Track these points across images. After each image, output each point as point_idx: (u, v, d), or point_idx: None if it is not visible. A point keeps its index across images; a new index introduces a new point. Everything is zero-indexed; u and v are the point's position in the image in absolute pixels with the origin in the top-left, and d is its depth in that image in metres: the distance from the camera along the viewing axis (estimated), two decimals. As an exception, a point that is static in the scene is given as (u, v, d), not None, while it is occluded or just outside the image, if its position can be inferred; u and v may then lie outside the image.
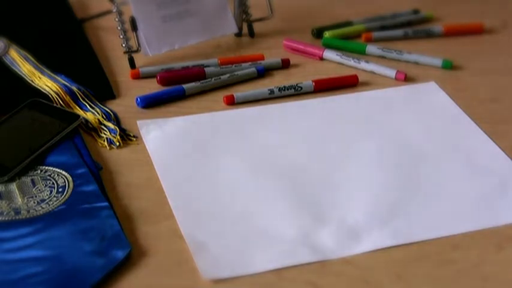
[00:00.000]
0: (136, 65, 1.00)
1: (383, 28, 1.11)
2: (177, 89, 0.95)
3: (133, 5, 1.00)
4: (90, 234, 0.73)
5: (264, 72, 1.00)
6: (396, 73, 1.00)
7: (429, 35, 1.10)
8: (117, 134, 0.87)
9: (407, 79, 1.00)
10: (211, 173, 0.82)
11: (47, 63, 0.97)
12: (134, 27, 0.99)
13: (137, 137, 0.88)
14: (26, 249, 0.71)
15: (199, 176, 0.81)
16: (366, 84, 0.99)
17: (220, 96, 0.95)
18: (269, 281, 0.70)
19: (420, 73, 1.02)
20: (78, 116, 0.88)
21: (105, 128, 0.88)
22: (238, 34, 1.08)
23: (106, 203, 0.76)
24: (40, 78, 0.95)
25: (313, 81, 0.97)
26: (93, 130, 0.88)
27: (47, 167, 0.81)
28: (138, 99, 0.93)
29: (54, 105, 0.91)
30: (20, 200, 0.77)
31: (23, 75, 0.96)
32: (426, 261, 0.73)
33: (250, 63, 1.00)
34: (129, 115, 0.91)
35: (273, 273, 0.71)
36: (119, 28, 0.99)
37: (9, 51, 1.00)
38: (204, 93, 0.96)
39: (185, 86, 0.95)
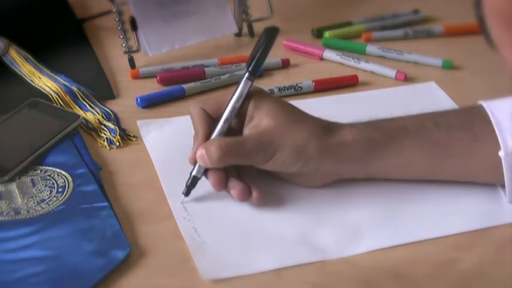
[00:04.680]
0: (136, 65, 1.00)
1: (383, 28, 1.11)
2: (177, 89, 0.95)
3: (133, 5, 1.00)
4: (90, 234, 0.73)
5: (263, 72, 1.00)
6: (396, 73, 1.00)
7: (429, 35, 1.11)
8: (117, 134, 0.87)
9: (407, 79, 1.00)
10: (211, 173, 0.82)
11: (47, 63, 0.97)
12: (134, 27, 0.99)
13: (137, 137, 0.88)
14: (26, 249, 0.71)
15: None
16: (366, 84, 0.99)
17: (220, 96, 0.95)
18: (269, 281, 0.70)
19: (420, 73, 1.02)
20: (78, 116, 0.88)
21: (105, 128, 0.88)
22: (238, 34, 1.08)
23: (106, 203, 0.76)
24: (40, 78, 0.95)
25: (313, 81, 0.97)
26: (93, 130, 0.88)
27: (47, 167, 0.81)
28: (138, 99, 0.93)
29: (54, 105, 0.91)
30: (20, 200, 0.77)
31: (23, 75, 0.96)
32: (426, 261, 0.73)
33: (250, 63, 1.00)
34: (129, 115, 0.91)
35: (273, 273, 0.71)
36: (119, 28, 0.99)
37: (9, 51, 1.00)
38: (204, 93, 0.96)
39: (185, 86, 0.95)
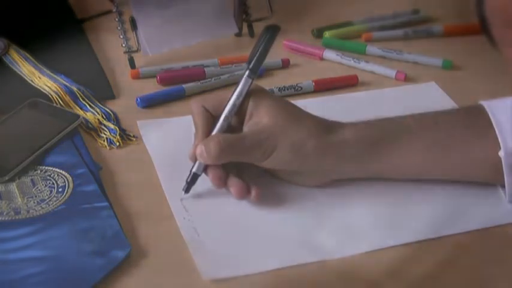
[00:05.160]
0: (136, 65, 1.00)
1: (383, 28, 1.11)
2: (177, 89, 0.95)
3: (133, 5, 1.00)
4: (90, 234, 0.73)
5: (264, 72, 1.00)
6: (396, 73, 1.00)
7: (429, 35, 1.10)
8: (117, 134, 0.87)
9: (407, 79, 1.00)
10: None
11: (47, 63, 0.97)
12: (134, 27, 0.99)
13: (137, 137, 0.88)
14: (26, 249, 0.71)
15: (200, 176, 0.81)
16: (366, 84, 0.99)
17: (220, 96, 0.95)
18: (269, 281, 0.70)
19: (420, 73, 1.02)
20: (78, 116, 0.88)
21: (105, 128, 0.88)
22: (238, 34, 1.08)
23: (106, 203, 0.76)
24: (40, 78, 0.95)
25: (313, 81, 0.97)
26: (93, 130, 0.88)
27: (46, 167, 0.81)
28: (138, 99, 0.93)
29: (54, 105, 0.91)
30: (20, 200, 0.77)
31: (23, 75, 0.96)
32: (426, 261, 0.73)
33: (250, 63, 1.00)
34: (129, 115, 0.91)
35: (273, 273, 0.71)
36: (118, 28, 0.99)
37: (9, 51, 1.00)
38: (204, 93, 0.96)
39: (185, 86, 0.95)
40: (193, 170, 0.78)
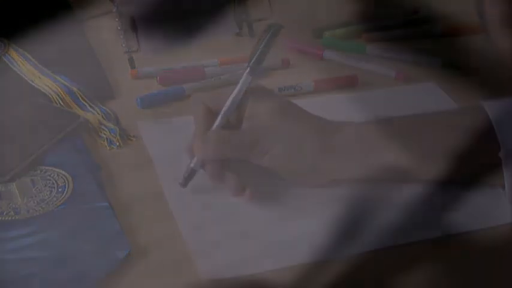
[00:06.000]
0: (136, 65, 1.00)
1: (383, 28, 1.11)
2: (177, 89, 0.95)
3: (134, 5, 0.99)
4: (90, 234, 0.73)
5: (264, 72, 1.00)
6: (396, 73, 1.00)
7: (429, 35, 1.10)
8: (117, 134, 0.87)
9: (407, 79, 1.00)
10: (211, 173, 0.82)
11: (47, 63, 0.97)
12: (134, 27, 0.99)
13: (137, 137, 0.88)
14: (26, 249, 0.71)
15: (199, 175, 0.81)
16: (366, 84, 0.99)
17: (220, 96, 0.95)
18: (269, 281, 0.70)
19: (420, 73, 1.02)
20: (78, 116, 0.88)
21: (105, 128, 0.88)
22: (238, 34, 1.08)
23: (106, 203, 0.76)
24: (40, 78, 0.95)
25: (313, 81, 0.97)
26: (93, 130, 0.88)
27: (46, 167, 0.81)
28: (138, 99, 0.93)
29: (54, 105, 0.91)
30: (19, 200, 0.77)
31: (23, 75, 0.96)
32: (426, 261, 0.73)
33: (250, 63, 1.00)
34: (129, 115, 0.91)
35: (272, 273, 0.71)
36: (118, 28, 0.99)
37: (9, 51, 1.00)
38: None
39: (185, 86, 0.96)
40: (191, 165, 0.78)
